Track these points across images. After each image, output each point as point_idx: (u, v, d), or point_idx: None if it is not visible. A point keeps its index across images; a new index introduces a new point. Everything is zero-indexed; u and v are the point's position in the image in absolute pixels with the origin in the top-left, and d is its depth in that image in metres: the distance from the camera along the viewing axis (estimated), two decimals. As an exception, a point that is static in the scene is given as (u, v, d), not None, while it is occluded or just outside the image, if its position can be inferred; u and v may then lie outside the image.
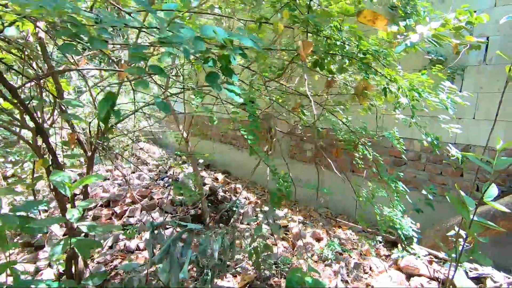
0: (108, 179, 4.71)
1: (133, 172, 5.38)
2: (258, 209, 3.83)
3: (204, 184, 4.55)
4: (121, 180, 4.74)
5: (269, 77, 1.78)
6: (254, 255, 2.06)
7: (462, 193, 1.16)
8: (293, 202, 4.15)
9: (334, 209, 3.79)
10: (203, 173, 4.93)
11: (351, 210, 3.54)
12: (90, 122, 2.06)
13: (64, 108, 1.80)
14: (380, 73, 1.32)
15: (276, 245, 2.84)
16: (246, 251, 2.35)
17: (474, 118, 2.63)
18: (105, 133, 1.81)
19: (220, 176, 4.87)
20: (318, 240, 2.92)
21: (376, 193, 2.01)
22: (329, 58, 1.27)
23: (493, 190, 1.08)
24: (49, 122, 1.81)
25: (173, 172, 5.13)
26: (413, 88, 1.35)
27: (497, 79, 2.48)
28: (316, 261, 2.53)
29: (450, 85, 1.58)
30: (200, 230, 3.20)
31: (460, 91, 2.72)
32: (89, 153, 1.90)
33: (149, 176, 5.09)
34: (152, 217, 3.36)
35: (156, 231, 1.70)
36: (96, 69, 2.24)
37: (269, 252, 2.11)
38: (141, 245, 2.89)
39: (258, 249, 2.05)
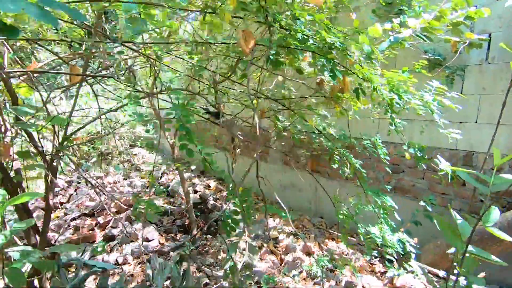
0: (97, 187, 4.57)
1: (125, 179, 5.24)
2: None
3: (196, 192, 4.38)
4: (110, 187, 4.60)
5: (217, 76, 1.61)
6: (231, 275, 1.87)
7: (456, 215, 0.96)
8: (287, 209, 3.94)
9: (329, 219, 3.58)
10: (196, 180, 4.77)
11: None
12: (56, 130, 1.90)
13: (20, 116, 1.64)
14: (350, 70, 1.14)
15: (263, 260, 2.65)
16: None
17: (476, 122, 2.41)
18: (63, 142, 1.65)
19: (212, 183, 4.70)
20: (309, 254, 2.71)
21: (359, 207, 1.80)
22: (283, 53, 1.09)
23: (494, 213, 0.88)
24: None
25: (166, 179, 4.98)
26: (392, 89, 1.16)
27: (501, 78, 2.27)
28: (304, 279, 2.33)
29: (438, 85, 1.38)
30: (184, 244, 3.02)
31: (461, 93, 2.52)
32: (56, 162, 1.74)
33: (141, 183, 4.94)
34: (134, 229, 3.19)
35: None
36: (47, 72, 2.09)
37: (248, 273, 1.92)
38: (120, 259, 2.72)
39: (235, 268, 1.86)
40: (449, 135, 1.70)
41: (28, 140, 1.69)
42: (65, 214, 3.68)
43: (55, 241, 3.23)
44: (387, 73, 1.22)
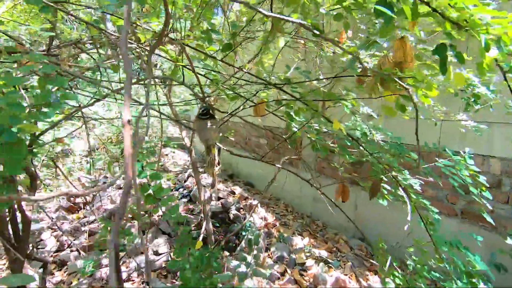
0: (121, 188, 4.46)
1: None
2: (275, 233, 3.16)
3: (219, 199, 4.02)
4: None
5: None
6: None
7: None
8: (320, 227, 3.39)
9: (371, 239, 2.94)
10: (220, 185, 4.41)
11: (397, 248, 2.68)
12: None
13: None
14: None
15: (284, 293, 2.16)
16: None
17: None
18: (31, 145, 1.35)
19: (238, 190, 4.30)
20: (343, 291, 2.15)
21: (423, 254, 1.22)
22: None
23: None
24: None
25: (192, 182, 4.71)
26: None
27: None
28: (335, 328, 1.79)
29: None
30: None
31: None
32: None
33: (166, 185, 4.74)
34: (145, 239, 2.90)
35: None
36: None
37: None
38: (124, 275, 2.44)
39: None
40: None
41: None
42: (84, 216, 3.57)
43: (68, 245, 3.09)
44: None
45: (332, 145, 1.32)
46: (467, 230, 2.20)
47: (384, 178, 1.23)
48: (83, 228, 3.31)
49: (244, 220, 3.42)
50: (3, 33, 1.46)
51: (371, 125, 1.56)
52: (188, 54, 1.24)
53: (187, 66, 1.43)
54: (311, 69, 2.43)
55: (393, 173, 1.19)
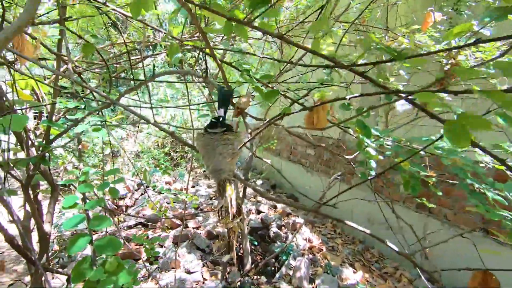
0: (161, 193, 4.42)
1: (193, 186, 5.01)
2: (321, 260, 2.73)
3: (259, 212, 3.71)
4: (175, 195, 4.38)
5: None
6: None
7: None
8: (376, 257, 2.86)
9: (447, 282, 2.35)
10: (261, 198, 4.09)
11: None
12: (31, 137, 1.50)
13: None
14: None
15: None
16: None
17: None
18: (43, 155, 1.18)
19: (280, 204, 3.94)
20: None
21: None
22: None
23: None
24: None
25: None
26: None
27: None
28: None
29: None
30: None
31: None
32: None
33: (206, 192, 4.60)
34: (178, 254, 2.71)
35: None
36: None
37: None
38: (152, 293, 2.25)
39: None
40: None
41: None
42: (124, 220, 3.54)
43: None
44: None
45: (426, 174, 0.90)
46: None
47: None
48: (122, 233, 3.26)
49: (286, 240, 3.05)
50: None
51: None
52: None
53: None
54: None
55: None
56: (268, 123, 0.90)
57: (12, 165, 1.03)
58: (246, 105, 0.83)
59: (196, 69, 2.92)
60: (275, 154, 5.32)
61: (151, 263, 2.71)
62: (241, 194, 2.94)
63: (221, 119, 0.91)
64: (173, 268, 2.54)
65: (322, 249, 2.93)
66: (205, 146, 0.93)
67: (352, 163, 1.17)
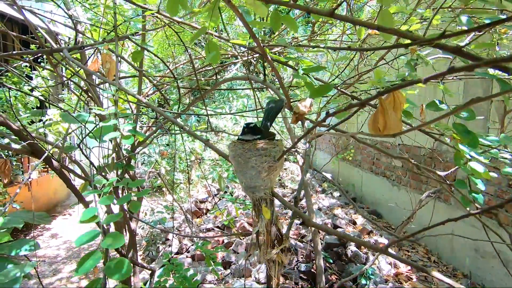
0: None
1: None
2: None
3: (335, 227, 3.44)
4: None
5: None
6: None
7: None
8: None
9: None
10: (338, 211, 3.79)
11: None
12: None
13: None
14: None
15: None
16: None
17: None
18: (129, 161, 1.32)
19: (360, 219, 3.57)
20: None
21: None
22: None
23: None
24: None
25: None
26: None
27: None
28: None
29: None
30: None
31: None
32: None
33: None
34: (249, 262, 2.70)
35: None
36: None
37: None
38: (224, 299, 2.28)
39: None
40: None
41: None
42: (203, 223, 3.77)
43: (187, 250, 3.29)
44: None
45: None
46: None
47: None
48: (201, 234, 3.48)
49: (366, 261, 2.72)
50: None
51: None
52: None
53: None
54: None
55: None
56: (313, 126, 0.77)
57: (101, 170, 1.17)
58: (306, 110, 0.73)
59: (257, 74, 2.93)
60: (355, 165, 4.91)
61: (224, 267, 2.78)
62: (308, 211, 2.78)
63: (255, 125, 0.78)
64: (244, 275, 2.54)
65: (412, 278, 2.49)
66: (236, 158, 0.80)
67: (447, 181, 0.92)
